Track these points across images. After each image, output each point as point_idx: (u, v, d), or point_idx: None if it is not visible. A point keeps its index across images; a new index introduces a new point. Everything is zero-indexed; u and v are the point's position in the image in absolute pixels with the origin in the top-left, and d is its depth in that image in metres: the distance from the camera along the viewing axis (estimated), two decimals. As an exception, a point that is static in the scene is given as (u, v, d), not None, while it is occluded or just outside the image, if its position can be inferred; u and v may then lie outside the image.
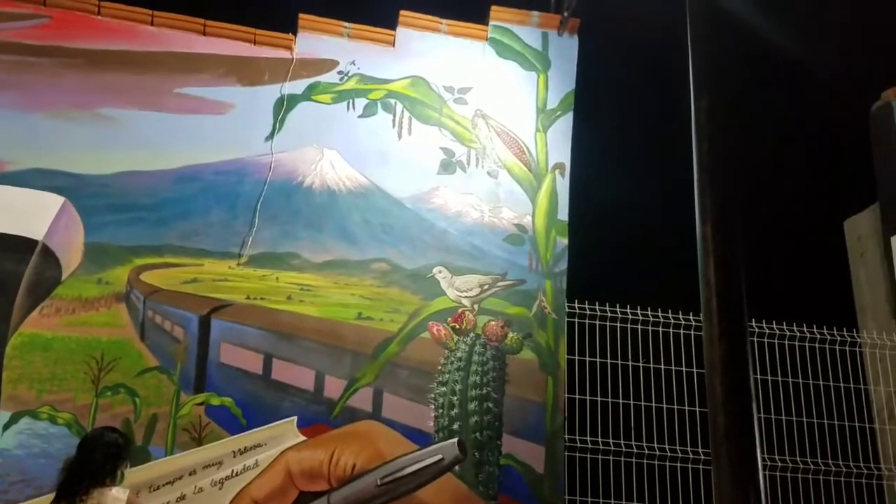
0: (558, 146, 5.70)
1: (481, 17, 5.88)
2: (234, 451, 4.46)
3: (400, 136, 5.44)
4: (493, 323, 5.20)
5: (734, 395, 2.71)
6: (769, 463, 5.08)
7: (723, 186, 3.18)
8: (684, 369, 5.26)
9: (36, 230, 4.61)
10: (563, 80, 5.85)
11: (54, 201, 4.71)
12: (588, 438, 4.98)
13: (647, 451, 4.98)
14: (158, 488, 4.30)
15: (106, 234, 4.79)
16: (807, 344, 5.62)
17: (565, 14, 5.84)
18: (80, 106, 4.92)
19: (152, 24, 5.28)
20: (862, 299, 6.47)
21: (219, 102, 5.17)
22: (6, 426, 4.34)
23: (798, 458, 5.39)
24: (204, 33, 5.34)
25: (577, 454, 5.03)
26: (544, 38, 5.91)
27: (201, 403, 4.64)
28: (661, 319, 5.32)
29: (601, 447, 4.95)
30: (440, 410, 4.94)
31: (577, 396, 5.15)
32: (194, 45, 5.29)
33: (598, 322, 5.33)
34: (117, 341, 4.65)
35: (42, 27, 5.02)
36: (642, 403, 5.07)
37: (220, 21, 5.37)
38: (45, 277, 4.59)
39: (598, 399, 5.06)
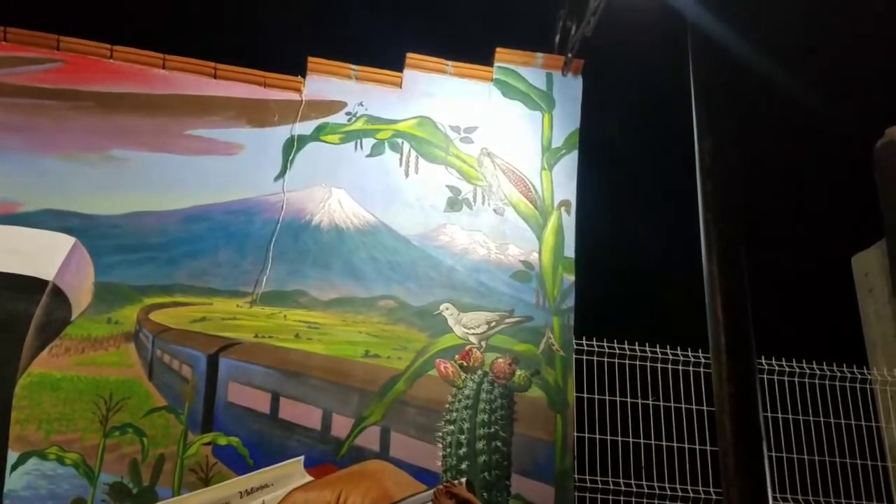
0: (564, 184, 5.75)
1: (486, 59, 5.98)
2: (240, 492, 4.42)
3: (407, 175, 5.50)
4: (500, 360, 5.19)
5: (744, 434, 2.70)
6: (780, 503, 5.02)
7: (728, 225, 3.20)
8: (694, 407, 5.23)
9: (47, 270, 4.65)
10: (567, 119, 5.92)
11: (65, 242, 4.75)
12: (598, 478, 4.93)
13: (657, 491, 4.92)
14: (165, 529, 4.27)
15: (116, 274, 4.82)
16: (816, 381, 5.59)
17: (569, 55, 5.94)
18: (92, 148, 5.00)
19: (164, 67, 5.39)
20: (871, 335, 6.44)
21: (229, 144, 5.25)
22: (14, 467, 4.32)
23: (811, 498, 5.32)
24: (215, 76, 5.44)
25: (588, 494, 4.98)
26: (549, 78, 6.00)
27: (209, 443, 4.62)
28: (671, 357, 5.31)
29: (611, 487, 4.90)
30: (448, 449, 4.90)
31: (586, 435, 5.12)
32: (205, 87, 5.38)
33: (606, 359, 5.32)
34: (126, 381, 4.65)
35: (55, 71, 5.12)
36: (652, 442, 5.03)
37: (231, 64, 5.47)
38: (54, 317, 4.62)
39: (608, 438, 5.03)
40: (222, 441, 4.64)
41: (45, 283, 4.62)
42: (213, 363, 4.77)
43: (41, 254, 4.67)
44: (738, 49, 3.81)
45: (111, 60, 5.31)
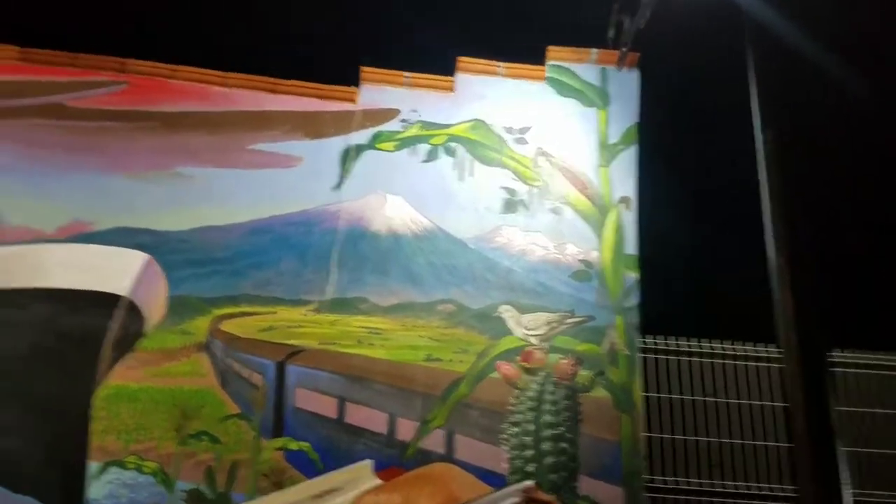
0: (623, 180, 5.67)
1: (538, 58, 5.95)
2: (312, 496, 4.51)
3: (462, 179, 5.52)
4: (563, 361, 5.16)
5: (817, 430, 2.62)
6: (866, 499, 4.83)
7: (795, 216, 3.10)
8: (765, 403, 5.10)
9: (121, 286, 4.84)
10: (624, 114, 5.84)
11: (139, 258, 4.94)
12: (668, 478, 4.85)
13: (730, 490, 4.81)
14: (240, 534, 4.39)
15: (186, 287, 4.99)
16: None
17: (624, 49, 5.85)
18: (158, 166, 5.19)
19: (224, 85, 5.54)
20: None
21: (288, 156, 5.37)
22: (96, 476, 4.52)
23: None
24: (273, 91, 5.57)
25: (659, 494, 4.91)
26: (603, 74, 5.93)
27: (280, 448, 4.75)
28: (739, 353, 5.19)
29: (683, 486, 4.82)
30: (514, 451, 4.90)
31: (655, 435, 5.05)
32: (264, 103, 5.52)
33: (673, 357, 5.23)
34: (199, 390, 4.81)
35: (120, 93, 5.34)
36: (723, 440, 4.92)
37: (287, 78, 5.59)
38: (130, 331, 4.81)
39: (678, 437, 4.94)
40: (293, 446, 4.75)
41: (120, 298, 4.82)
42: (280, 370, 4.89)
43: (115, 270, 4.87)
44: (796, 37, 3.70)
45: (173, 80, 5.50)
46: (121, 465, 4.58)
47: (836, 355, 5.14)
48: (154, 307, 4.87)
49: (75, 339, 4.68)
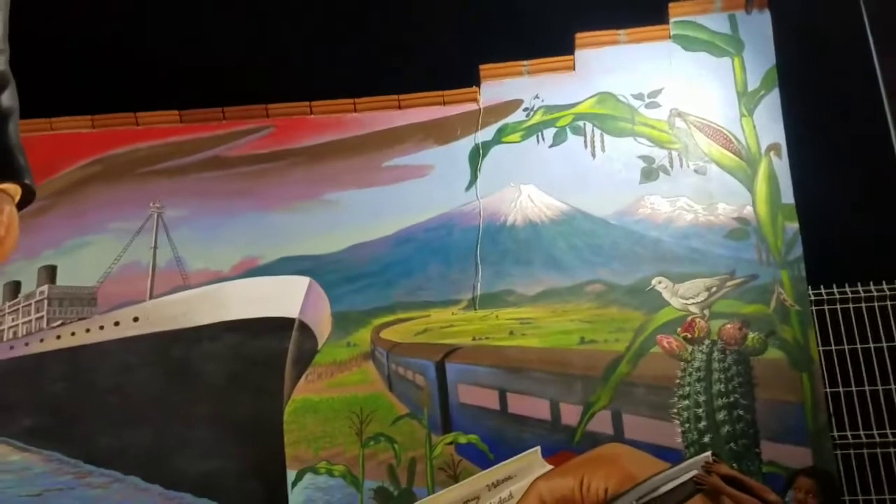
0: (769, 127, 5.32)
1: (661, 19, 5.73)
2: (488, 485, 4.68)
3: (594, 156, 5.45)
4: (729, 326, 4.94)
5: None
6: None
7: None
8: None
9: (291, 309, 5.32)
10: (760, 58, 5.48)
11: (302, 282, 5.40)
12: (856, 433, 4.48)
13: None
14: (427, 526, 4.65)
15: (346, 302, 5.37)
16: None
17: (750, -10, 5.49)
18: (307, 196, 5.62)
19: (355, 110, 5.89)
20: None
21: (420, 167, 5.60)
22: (293, 483, 5.00)
23: None
24: (399, 107, 5.84)
25: (851, 451, 4.55)
26: (732, 20, 5.60)
27: (451, 443, 4.97)
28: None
29: (873, 440, 4.42)
30: (686, 425, 4.77)
31: (839, 389, 4.68)
32: (393, 120, 5.80)
33: (849, 306, 4.82)
34: (371, 396, 5.16)
35: (269, 136, 5.84)
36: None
37: (410, 92, 5.83)
38: (305, 349, 5.26)
39: (862, 389, 4.55)
40: (462, 440, 4.95)
41: (292, 320, 5.29)
42: (440, 369, 5.12)
43: (284, 296, 5.35)
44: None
45: (311, 115, 5.93)
46: (314, 471, 5.02)
47: None
48: (321, 325, 5.29)
49: (260, 362, 5.20)
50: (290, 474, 5.02)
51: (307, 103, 5.97)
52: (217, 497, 4.96)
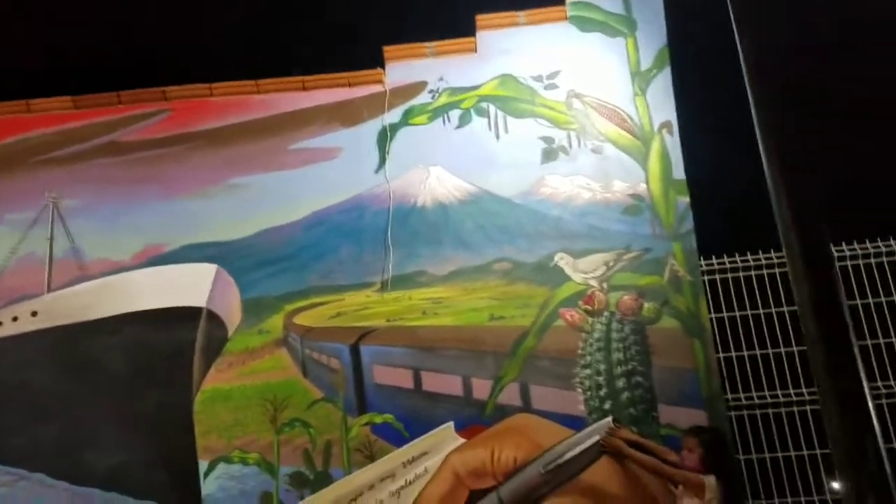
0: (661, 105, 5.58)
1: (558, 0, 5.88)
2: (403, 463, 4.80)
3: (498, 137, 5.58)
4: (626, 297, 5.20)
5: (830, 330, 2.61)
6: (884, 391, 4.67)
7: (784, 121, 3.02)
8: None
9: (198, 298, 5.24)
10: (652, 37, 5.72)
11: (209, 270, 5.32)
12: (748, 394, 4.84)
13: (807, 398, 4.75)
14: (344, 507, 4.73)
15: (257, 288, 5.34)
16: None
17: (642, -30, 5.70)
18: (212, 181, 5.52)
19: (258, 92, 5.81)
20: None
21: (328, 149, 5.59)
22: (206, 474, 4.98)
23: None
24: (304, 89, 5.79)
25: (745, 412, 4.91)
26: (625, 0, 5.81)
27: (366, 424, 5.05)
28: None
29: (764, 401, 4.80)
30: (588, 393, 5.01)
31: (731, 354, 5.03)
32: (298, 102, 5.74)
33: (740, 274, 5.16)
34: (285, 382, 5.17)
35: (168, 120, 5.69)
36: (797, 349, 4.84)
37: (316, 74, 5.78)
38: (214, 338, 5.21)
39: (752, 353, 4.91)
40: (378, 420, 5.04)
41: (200, 309, 5.22)
42: (355, 352, 5.18)
43: (191, 285, 5.27)
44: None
45: (212, 98, 5.80)
46: (227, 460, 5.00)
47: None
48: (231, 312, 5.25)
49: (167, 353, 5.12)
50: (203, 465, 4.99)
51: (207, 85, 5.84)
52: (127, 491, 4.89)
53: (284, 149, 5.63)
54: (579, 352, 5.07)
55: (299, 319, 5.30)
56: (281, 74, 5.87)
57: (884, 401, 4.60)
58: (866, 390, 2.55)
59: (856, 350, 2.59)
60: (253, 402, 5.11)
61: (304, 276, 5.39)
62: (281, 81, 5.85)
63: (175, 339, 5.17)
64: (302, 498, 4.87)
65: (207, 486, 4.92)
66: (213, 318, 5.23)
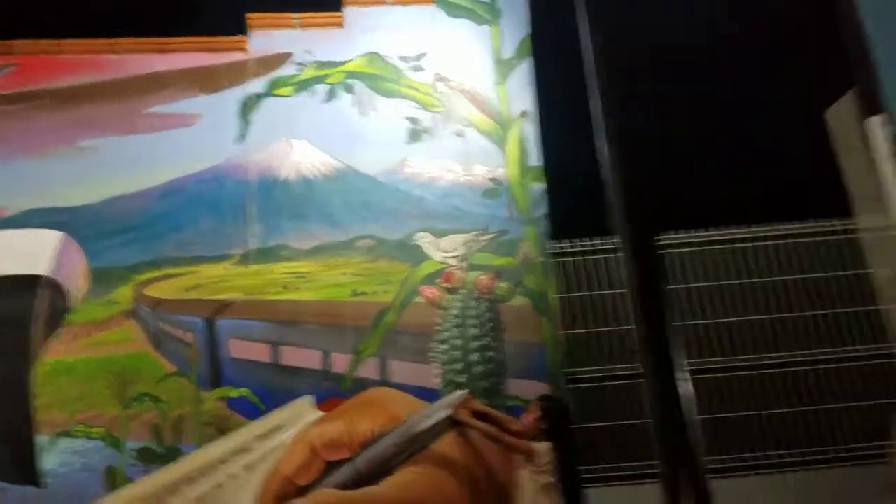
0: (520, 94, 5.82)
1: (426, -18, 5.97)
2: (257, 436, 4.78)
3: (364, 114, 5.62)
4: (482, 277, 5.42)
5: (650, 308, 2.90)
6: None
7: (614, 106, 3.27)
8: (681, 286, 5.44)
9: (41, 266, 4.94)
10: (515, 27, 5.94)
11: (54, 237, 5.02)
12: (590, 368, 5.22)
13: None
14: (195, 480, 4.65)
15: (106, 257, 5.10)
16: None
17: (507, -40, 5.90)
18: (61, 142, 5.20)
19: (114, 52, 5.51)
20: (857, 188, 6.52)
21: (186, 115, 5.41)
22: (47, 449, 4.73)
23: (814, 351, 5.57)
24: (162, 51, 5.56)
25: (583, 385, 5.28)
26: (492, -12, 6.00)
27: (221, 398, 4.98)
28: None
29: (603, 374, 5.19)
30: (444, 367, 5.20)
31: (575, 331, 5.38)
32: (155, 64, 5.51)
33: (585, 258, 5.52)
34: (134, 355, 4.99)
35: (11, 76, 5.28)
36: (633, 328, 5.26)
37: (175, 37, 5.56)
38: (57, 308, 4.93)
39: (593, 330, 5.28)
40: (233, 394, 4.99)
41: (41, 278, 4.92)
42: (211, 325, 5.08)
43: (33, 251, 4.95)
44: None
45: (61, 55, 5.44)
46: (69, 434, 4.78)
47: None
48: (76, 282, 4.99)
49: (3, 322, 4.79)
50: (43, 440, 4.74)
51: (56, 41, 5.47)
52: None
53: (139, 112, 5.39)
54: (437, 328, 5.24)
55: (151, 291, 5.12)
56: (138, 35, 5.59)
57: (700, 376, 5.11)
58: (682, 365, 2.85)
59: (672, 328, 2.89)
60: (99, 375, 4.90)
61: (157, 246, 5.21)
62: (138, 42, 5.58)
63: (13, 307, 4.84)
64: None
65: (48, 461, 4.68)
66: (56, 288, 4.95)
